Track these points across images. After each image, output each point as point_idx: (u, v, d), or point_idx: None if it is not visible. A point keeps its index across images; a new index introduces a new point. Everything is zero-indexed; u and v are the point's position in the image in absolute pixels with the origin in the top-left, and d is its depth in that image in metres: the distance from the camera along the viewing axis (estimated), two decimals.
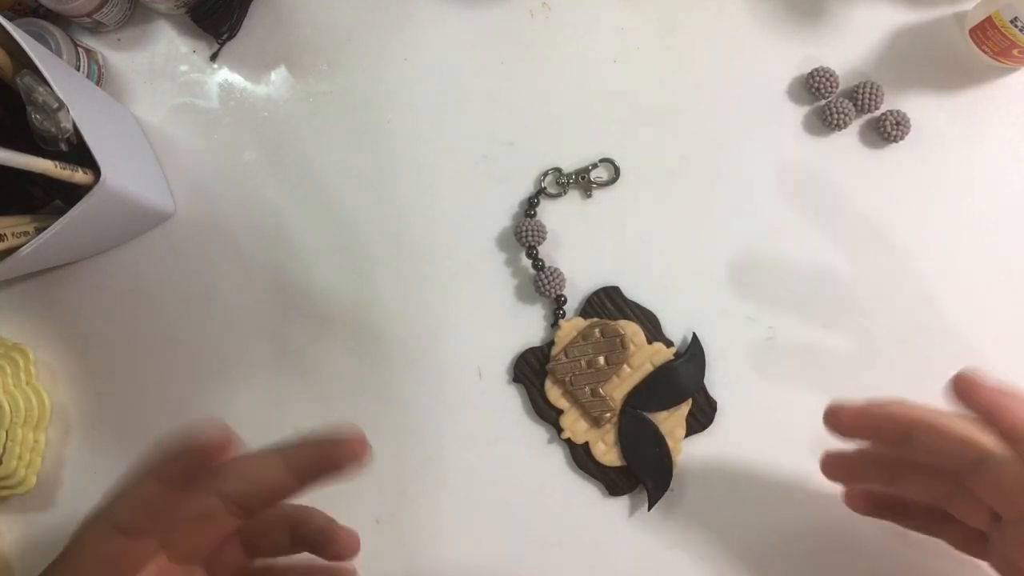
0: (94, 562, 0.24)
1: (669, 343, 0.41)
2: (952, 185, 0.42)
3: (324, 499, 0.41)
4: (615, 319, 0.40)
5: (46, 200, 0.39)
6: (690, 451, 0.41)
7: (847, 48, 0.43)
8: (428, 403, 0.42)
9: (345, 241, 0.43)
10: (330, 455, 0.25)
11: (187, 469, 0.24)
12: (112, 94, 0.44)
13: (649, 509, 0.40)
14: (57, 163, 0.33)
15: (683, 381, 0.40)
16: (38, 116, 0.33)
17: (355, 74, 0.44)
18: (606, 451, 0.40)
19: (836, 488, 0.40)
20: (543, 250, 0.42)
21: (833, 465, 0.34)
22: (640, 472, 0.39)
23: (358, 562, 0.40)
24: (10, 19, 0.35)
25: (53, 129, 0.33)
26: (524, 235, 0.41)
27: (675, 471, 0.40)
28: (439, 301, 0.42)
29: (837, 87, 0.42)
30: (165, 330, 0.43)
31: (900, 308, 0.41)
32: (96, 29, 0.44)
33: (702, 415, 0.40)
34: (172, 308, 0.43)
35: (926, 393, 0.41)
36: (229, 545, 0.27)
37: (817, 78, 0.42)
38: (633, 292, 0.41)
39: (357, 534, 0.26)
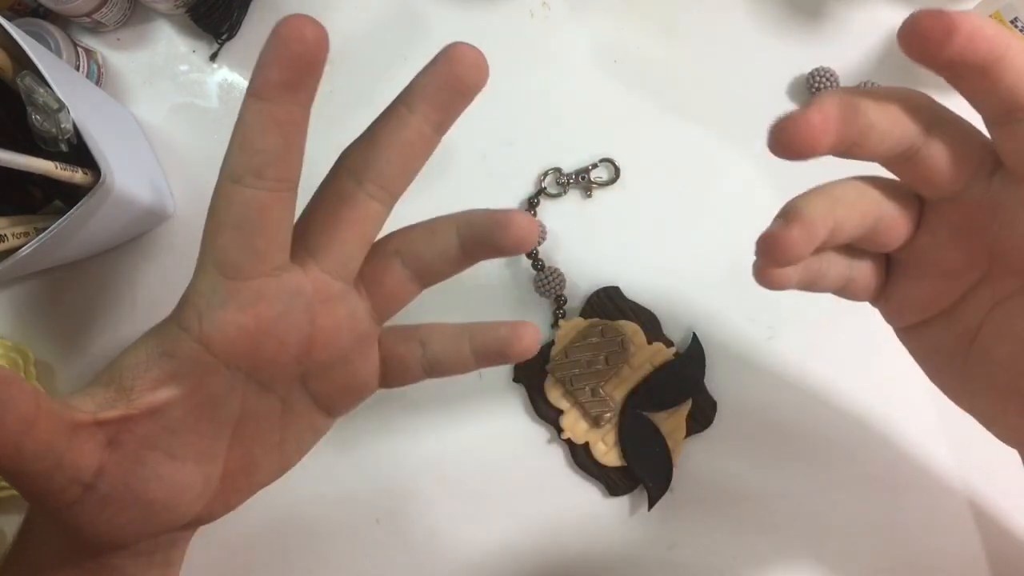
0: (233, 222, 0.21)
1: (669, 343, 0.41)
2: None
3: (324, 498, 0.41)
4: (615, 319, 0.40)
5: (46, 201, 0.39)
6: (690, 451, 0.41)
7: (847, 48, 0.43)
8: (428, 403, 0.42)
9: None
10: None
11: (287, 79, 0.20)
12: (112, 94, 0.44)
13: (649, 509, 0.40)
14: (57, 164, 0.33)
15: (683, 381, 0.40)
16: (38, 117, 0.33)
17: (355, 74, 0.44)
18: (606, 451, 0.40)
19: (835, 489, 0.40)
20: (543, 250, 0.42)
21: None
22: (640, 472, 0.39)
23: (358, 562, 0.41)
24: (10, 19, 0.35)
25: (53, 130, 0.33)
26: None
27: (675, 471, 0.40)
28: (439, 301, 0.42)
29: (837, 87, 0.42)
30: None
31: None
32: (96, 29, 0.44)
33: (702, 415, 0.40)
34: (172, 308, 0.43)
35: (926, 393, 0.41)
36: (390, 267, 0.25)
37: (817, 78, 0.42)
38: (633, 292, 0.41)
39: (531, 217, 0.24)
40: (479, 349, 0.27)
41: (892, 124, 0.20)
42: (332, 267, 0.24)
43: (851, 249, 0.24)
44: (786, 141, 0.19)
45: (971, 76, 0.19)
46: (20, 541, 0.26)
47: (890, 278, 0.25)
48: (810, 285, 0.24)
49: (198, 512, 0.24)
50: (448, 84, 0.22)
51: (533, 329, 0.26)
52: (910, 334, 0.26)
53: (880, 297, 0.25)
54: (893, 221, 0.22)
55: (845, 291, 0.25)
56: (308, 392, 0.26)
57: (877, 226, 0.22)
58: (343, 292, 0.25)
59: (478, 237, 0.25)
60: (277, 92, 0.20)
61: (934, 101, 0.21)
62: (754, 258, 0.24)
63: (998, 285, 0.23)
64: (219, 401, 0.24)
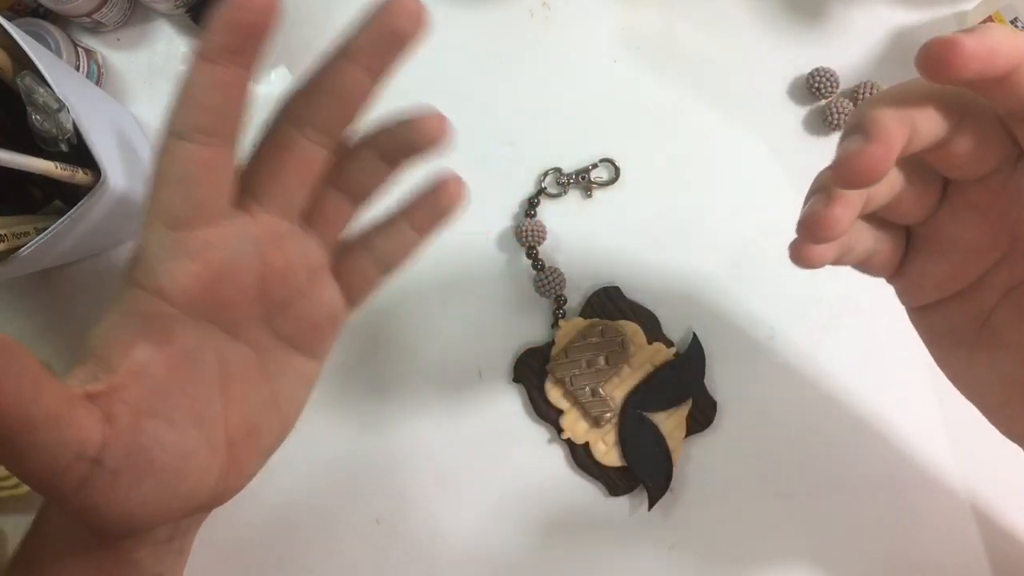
0: (177, 177, 0.22)
1: (669, 343, 0.41)
2: None
3: (326, 497, 0.41)
4: (615, 319, 0.40)
5: (46, 200, 0.39)
6: (690, 451, 0.41)
7: (847, 48, 0.43)
8: (428, 403, 0.42)
9: None
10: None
11: (233, 44, 0.21)
12: (112, 94, 0.44)
13: (649, 509, 0.40)
14: (57, 164, 0.33)
15: (683, 381, 0.40)
16: (38, 117, 0.33)
17: None
18: (606, 451, 0.40)
19: (835, 489, 0.40)
20: (543, 250, 0.42)
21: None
22: (640, 472, 0.39)
23: (358, 562, 0.41)
24: (10, 19, 0.35)
25: (54, 130, 0.33)
26: (524, 235, 0.41)
27: (675, 471, 0.40)
28: (439, 301, 0.42)
29: (837, 87, 0.42)
30: None
31: (899, 308, 0.41)
32: (96, 29, 0.44)
33: (702, 415, 0.40)
34: None
35: (926, 394, 0.41)
36: (326, 195, 0.26)
37: (817, 78, 0.42)
38: (633, 292, 0.41)
39: (440, 112, 0.25)
40: (416, 217, 0.27)
41: (932, 126, 0.20)
42: (278, 209, 0.25)
43: (876, 221, 0.24)
44: (852, 179, 0.19)
45: (990, 86, 0.19)
46: (30, 541, 0.26)
47: (909, 254, 0.25)
48: (840, 259, 0.24)
49: (213, 486, 0.24)
50: (386, 34, 0.23)
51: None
52: (922, 314, 0.26)
53: (898, 273, 0.25)
54: (918, 190, 0.23)
55: (867, 264, 0.25)
56: (278, 336, 0.26)
57: (903, 194, 0.23)
58: (291, 231, 0.25)
59: (395, 145, 0.25)
60: (223, 55, 0.21)
61: (967, 91, 0.21)
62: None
63: (1015, 269, 0.23)
64: (194, 354, 0.24)
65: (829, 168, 0.21)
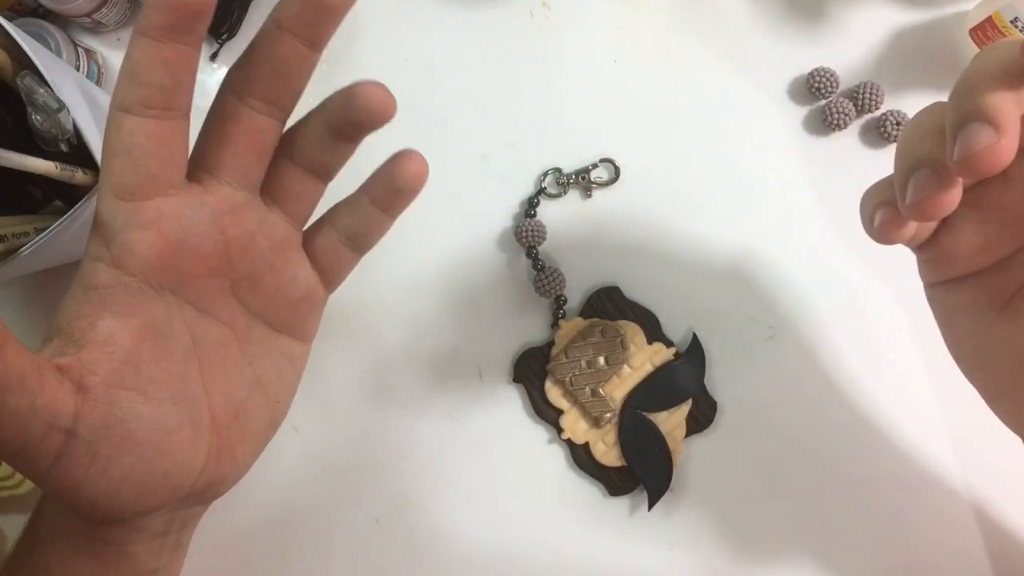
0: (124, 148, 0.22)
1: (669, 343, 0.41)
2: None
3: (326, 497, 0.41)
4: (615, 319, 0.41)
5: (46, 201, 0.39)
6: (690, 451, 0.41)
7: (847, 48, 0.43)
8: (428, 403, 0.42)
9: None
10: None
11: (170, 22, 0.21)
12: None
13: (649, 509, 0.40)
14: (57, 164, 0.33)
15: (683, 381, 0.40)
16: (38, 117, 0.33)
17: (355, 74, 0.44)
18: (606, 451, 0.40)
19: (836, 489, 0.40)
20: (543, 250, 0.42)
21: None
22: (640, 472, 0.39)
23: (358, 562, 0.41)
24: (10, 19, 0.35)
25: (54, 130, 0.33)
26: (524, 235, 0.41)
27: (675, 471, 0.40)
28: (438, 301, 0.42)
29: (837, 87, 0.42)
30: None
31: (900, 307, 0.41)
32: (96, 29, 0.44)
33: (702, 415, 0.40)
34: None
35: (927, 394, 0.41)
36: (283, 168, 0.26)
37: (817, 78, 0.42)
38: (633, 292, 0.41)
39: (380, 83, 0.24)
40: (373, 193, 0.27)
41: None
42: (230, 179, 0.25)
43: None
44: (982, 170, 0.19)
45: None
46: (26, 536, 0.26)
47: (945, 222, 0.24)
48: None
49: (202, 469, 0.24)
50: (312, 4, 0.23)
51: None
52: (943, 290, 0.25)
53: (929, 243, 0.25)
54: None
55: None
56: (254, 314, 0.26)
57: None
58: (248, 201, 0.25)
59: (338, 117, 0.25)
60: (162, 34, 0.21)
61: None
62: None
63: None
64: (162, 327, 0.24)
65: (915, 146, 0.21)
